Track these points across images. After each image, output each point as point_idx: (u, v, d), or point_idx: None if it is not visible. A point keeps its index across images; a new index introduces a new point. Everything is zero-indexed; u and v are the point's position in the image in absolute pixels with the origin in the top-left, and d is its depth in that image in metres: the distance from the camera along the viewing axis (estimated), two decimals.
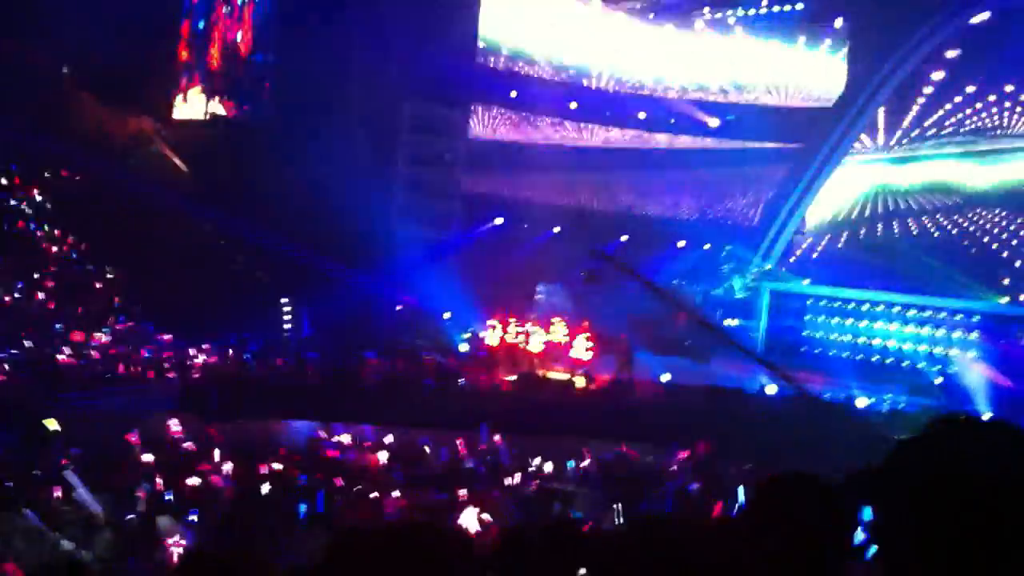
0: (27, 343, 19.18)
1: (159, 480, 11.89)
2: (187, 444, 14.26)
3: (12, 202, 26.29)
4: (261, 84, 28.81)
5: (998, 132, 29.82)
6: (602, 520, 12.13)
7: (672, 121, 32.12)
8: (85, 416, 15.25)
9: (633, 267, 23.22)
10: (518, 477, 14.03)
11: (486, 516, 11.19)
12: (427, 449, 15.33)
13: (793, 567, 2.44)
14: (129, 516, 11.04)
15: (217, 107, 29.40)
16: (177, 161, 28.86)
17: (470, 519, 11.01)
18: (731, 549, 2.51)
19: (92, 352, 19.80)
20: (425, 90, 27.47)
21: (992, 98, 29.39)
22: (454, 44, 28.15)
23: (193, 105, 29.78)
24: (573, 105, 31.31)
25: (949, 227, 31.07)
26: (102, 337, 21.23)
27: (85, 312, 23.00)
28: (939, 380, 23.28)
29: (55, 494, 10.96)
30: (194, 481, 12.11)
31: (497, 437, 15.59)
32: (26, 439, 13.15)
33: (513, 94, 30.69)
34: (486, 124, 31.51)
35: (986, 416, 18.74)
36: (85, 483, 11.02)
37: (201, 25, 30.05)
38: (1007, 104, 29.21)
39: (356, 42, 24.60)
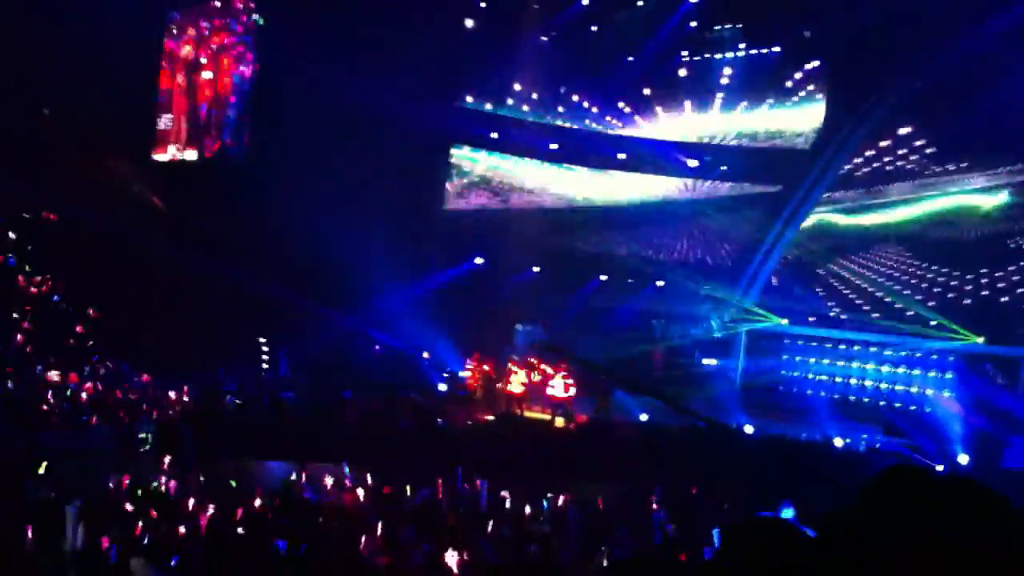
0: (8, 383, 19.09)
1: (139, 524, 11.81)
2: (170, 484, 14.22)
3: None
4: (242, 123, 28.89)
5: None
6: (586, 562, 12.16)
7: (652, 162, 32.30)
8: (66, 455, 15.20)
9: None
10: (495, 518, 14.00)
11: (464, 557, 11.17)
12: (407, 489, 15.29)
13: None
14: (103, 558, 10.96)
15: (196, 147, 29.42)
16: (156, 201, 28.84)
17: (450, 560, 11.00)
18: None
19: (68, 392, 19.69)
20: (407, 131, 27.59)
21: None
22: (437, 88, 28.45)
23: (173, 145, 29.81)
24: (554, 146, 31.46)
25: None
26: (78, 379, 21.10)
27: (62, 353, 22.88)
28: (915, 419, 23.45)
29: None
30: (173, 527, 12.04)
31: (477, 481, 15.56)
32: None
33: (494, 135, 30.91)
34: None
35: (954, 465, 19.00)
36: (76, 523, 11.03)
37: (181, 65, 30.18)
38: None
39: (338, 81, 24.68)
